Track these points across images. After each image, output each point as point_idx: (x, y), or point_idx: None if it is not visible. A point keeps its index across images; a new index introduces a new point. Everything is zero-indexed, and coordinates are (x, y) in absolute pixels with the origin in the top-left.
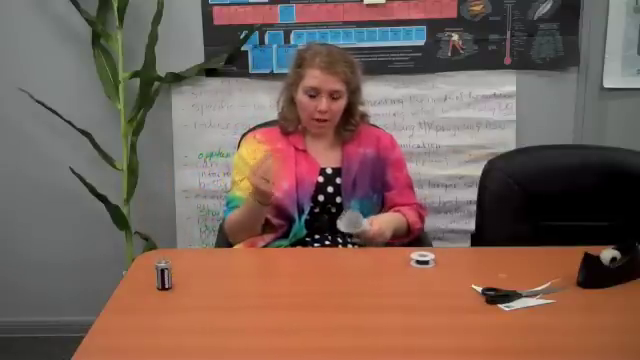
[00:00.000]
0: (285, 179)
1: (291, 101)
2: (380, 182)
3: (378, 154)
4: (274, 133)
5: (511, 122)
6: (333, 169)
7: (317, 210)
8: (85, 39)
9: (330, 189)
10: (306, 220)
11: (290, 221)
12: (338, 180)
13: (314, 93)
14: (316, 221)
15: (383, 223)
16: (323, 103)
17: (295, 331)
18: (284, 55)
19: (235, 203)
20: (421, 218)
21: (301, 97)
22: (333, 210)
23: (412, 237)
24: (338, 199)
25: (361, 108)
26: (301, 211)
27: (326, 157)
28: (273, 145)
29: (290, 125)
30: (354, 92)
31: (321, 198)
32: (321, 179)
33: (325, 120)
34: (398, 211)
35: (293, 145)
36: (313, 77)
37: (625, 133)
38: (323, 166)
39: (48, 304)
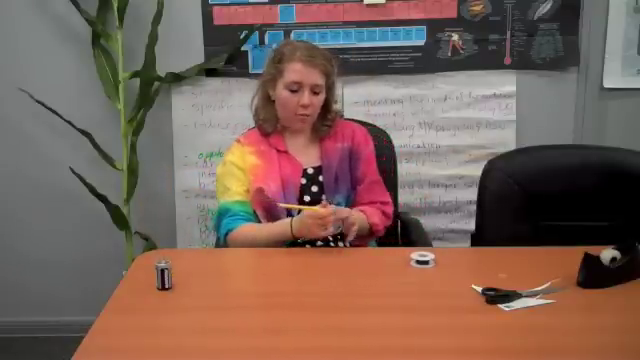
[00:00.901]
0: (272, 181)
1: (267, 100)
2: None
3: (352, 148)
4: (255, 135)
5: (511, 122)
6: (314, 168)
7: None
8: (85, 39)
9: (315, 188)
10: None
11: None
12: (321, 178)
13: (296, 88)
14: None
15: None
16: (306, 97)
17: (294, 331)
18: None
19: (237, 209)
20: (386, 216)
21: (281, 93)
22: None
23: (374, 237)
24: (324, 197)
25: (335, 107)
26: (290, 213)
27: (306, 156)
28: (257, 147)
29: (268, 125)
30: (330, 88)
31: (307, 199)
32: (304, 180)
33: (307, 115)
34: (362, 211)
35: (274, 147)
36: (294, 71)
37: (625, 133)
38: (304, 166)
39: (48, 304)
